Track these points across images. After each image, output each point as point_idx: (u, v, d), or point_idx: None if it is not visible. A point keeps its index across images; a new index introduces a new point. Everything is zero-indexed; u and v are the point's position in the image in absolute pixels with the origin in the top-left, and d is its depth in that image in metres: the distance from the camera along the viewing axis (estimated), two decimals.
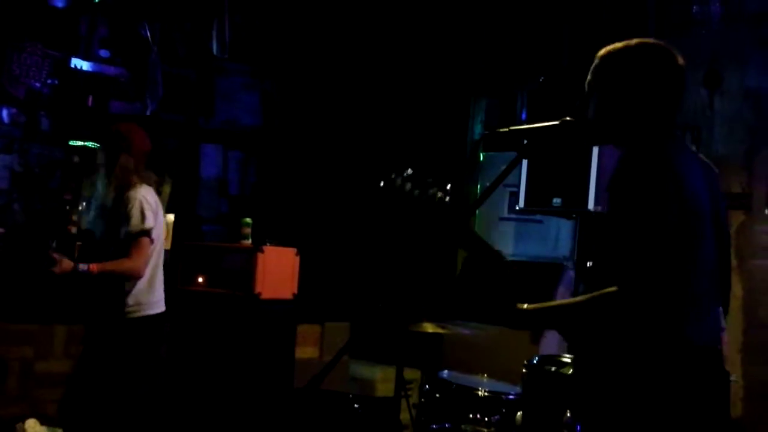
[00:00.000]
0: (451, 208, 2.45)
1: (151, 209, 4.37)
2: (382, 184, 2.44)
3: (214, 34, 6.84)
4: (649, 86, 2.43)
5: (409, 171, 2.43)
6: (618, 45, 2.50)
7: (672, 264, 2.21)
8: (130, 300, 4.34)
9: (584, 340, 2.41)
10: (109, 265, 4.28)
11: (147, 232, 4.33)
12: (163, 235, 4.56)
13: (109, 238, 4.42)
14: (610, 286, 2.24)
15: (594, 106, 2.50)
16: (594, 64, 2.52)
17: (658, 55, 2.45)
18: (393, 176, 2.44)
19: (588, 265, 2.47)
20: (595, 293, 2.25)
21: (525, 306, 2.37)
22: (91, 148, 6.06)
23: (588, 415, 2.43)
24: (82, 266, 4.22)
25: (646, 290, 2.19)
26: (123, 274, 4.30)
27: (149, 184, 4.48)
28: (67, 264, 4.20)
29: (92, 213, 4.52)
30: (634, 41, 2.49)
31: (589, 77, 2.53)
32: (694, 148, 2.49)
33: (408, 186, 2.45)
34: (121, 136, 4.46)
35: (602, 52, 2.51)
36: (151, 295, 4.42)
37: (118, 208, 4.34)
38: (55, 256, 4.18)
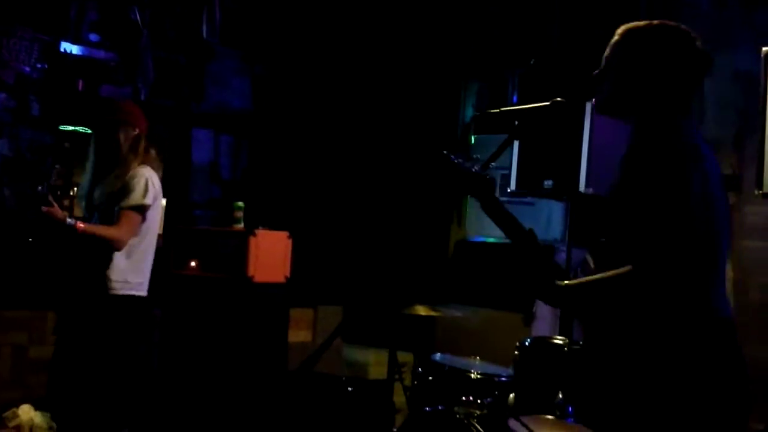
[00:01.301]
0: (491, 184, 2.57)
1: (154, 191, 4.38)
2: (434, 157, 2.62)
3: (205, 17, 6.82)
4: (667, 67, 2.45)
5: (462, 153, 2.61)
6: (640, 23, 2.52)
7: (699, 238, 2.26)
8: (114, 276, 4.31)
9: (608, 317, 2.41)
10: (95, 228, 4.27)
11: (142, 208, 4.33)
12: (158, 221, 4.55)
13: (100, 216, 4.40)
14: (625, 261, 2.27)
15: (610, 81, 2.51)
16: (614, 40, 2.54)
17: (679, 37, 2.49)
18: (445, 152, 2.63)
19: (601, 241, 2.48)
20: (622, 269, 2.27)
21: (566, 282, 2.38)
22: (82, 132, 6.05)
23: (609, 395, 2.44)
24: (70, 220, 4.19)
25: (676, 265, 2.23)
26: (105, 240, 4.27)
27: (153, 168, 4.47)
28: (59, 212, 4.19)
29: (83, 201, 4.50)
30: (656, 21, 2.51)
31: (606, 52, 2.54)
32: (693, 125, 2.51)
33: (460, 161, 2.60)
34: (121, 114, 4.43)
35: (623, 28, 2.53)
36: (137, 276, 4.40)
37: (122, 186, 4.32)
38: (51, 198, 4.17)
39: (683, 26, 2.51)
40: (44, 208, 4.14)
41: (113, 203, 4.32)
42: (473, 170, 2.56)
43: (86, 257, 4.33)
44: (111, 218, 4.32)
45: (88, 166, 4.49)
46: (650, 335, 2.33)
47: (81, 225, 4.21)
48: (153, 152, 4.50)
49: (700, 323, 2.33)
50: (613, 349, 2.42)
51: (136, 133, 4.42)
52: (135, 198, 4.29)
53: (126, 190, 4.30)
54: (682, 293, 2.28)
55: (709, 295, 2.34)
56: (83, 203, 4.51)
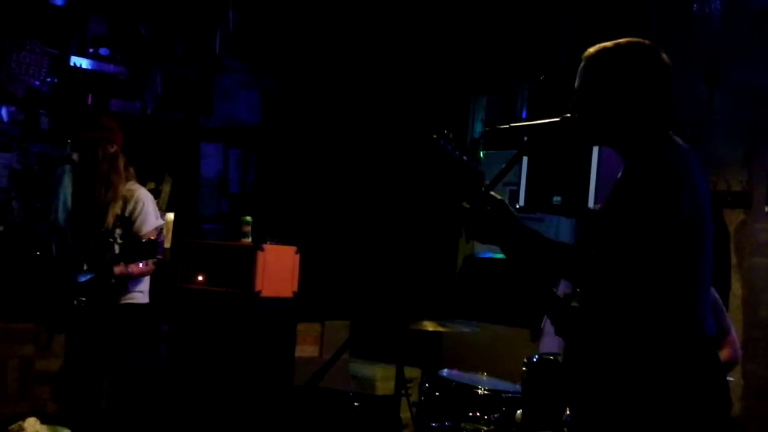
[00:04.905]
0: (480, 177, 2.49)
1: (156, 206, 4.43)
2: (423, 143, 2.55)
3: (218, 32, 6.82)
4: (640, 84, 2.44)
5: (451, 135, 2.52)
6: (606, 44, 2.50)
7: (682, 262, 2.29)
8: (133, 286, 4.35)
9: (587, 334, 2.42)
10: (140, 269, 4.29)
11: (160, 229, 4.45)
12: None
13: (94, 236, 4.37)
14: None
15: (586, 106, 2.49)
16: (582, 65, 2.52)
17: (647, 53, 2.47)
18: (435, 136, 2.51)
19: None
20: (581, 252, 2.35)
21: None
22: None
23: (594, 409, 2.43)
24: (129, 269, 4.23)
25: (648, 282, 2.25)
26: (149, 273, 4.35)
27: (136, 181, 4.48)
28: (119, 269, 4.21)
29: (61, 213, 4.48)
30: (622, 40, 2.50)
31: (578, 79, 2.53)
32: (680, 142, 2.48)
33: (449, 148, 2.50)
34: (102, 130, 4.41)
35: (590, 51, 2.52)
36: (142, 284, 4.44)
37: (130, 212, 4.32)
38: (116, 269, 4.18)
39: (649, 42, 2.50)
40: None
41: (128, 231, 4.30)
42: (463, 160, 2.46)
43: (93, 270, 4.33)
44: (130, 244, 4.29)
45: (65, 186, 4.46)
46: (633, 353, 2.33)
47: (134, 269, 4.25)
48: (132, 169, 4.49)
49: (684, 341, 2.33)
50: (597, 366, 2.42)
51: (114, 150, 4.40)
52: (151, 223, 4.34)
53: (138, 217, 4.30)
54: (666, 312, 2.30)
55: (693, 314, 2.35)
56: (65, 225, 4.47)
